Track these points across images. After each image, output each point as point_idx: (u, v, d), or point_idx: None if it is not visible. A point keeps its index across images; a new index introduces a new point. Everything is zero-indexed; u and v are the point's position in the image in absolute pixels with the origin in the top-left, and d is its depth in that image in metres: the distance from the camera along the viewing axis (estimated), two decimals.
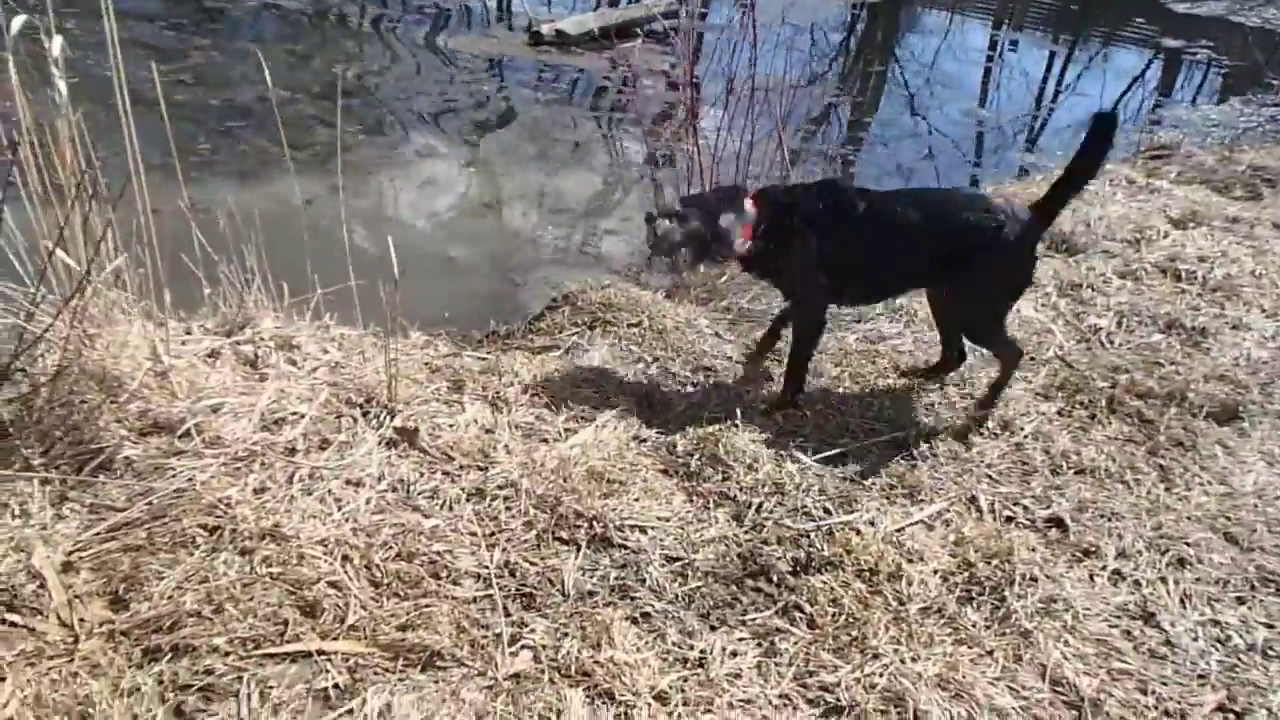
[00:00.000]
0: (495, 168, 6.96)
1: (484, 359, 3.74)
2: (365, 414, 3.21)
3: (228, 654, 2.36)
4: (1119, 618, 2.83)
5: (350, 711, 2.28)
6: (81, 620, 2.41)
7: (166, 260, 3.36)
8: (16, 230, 2.95)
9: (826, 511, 3.08)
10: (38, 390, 2.90)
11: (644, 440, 3.39)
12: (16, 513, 2.63)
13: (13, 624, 2.38)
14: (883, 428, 3.56)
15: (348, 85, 7.96)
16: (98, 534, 2.65)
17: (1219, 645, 2.79)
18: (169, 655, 2.34)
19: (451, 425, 3.25)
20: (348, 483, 2.92)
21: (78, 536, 2.63)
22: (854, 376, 3.88)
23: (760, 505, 3.08)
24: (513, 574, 2.73)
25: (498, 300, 5.06)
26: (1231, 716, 2.59)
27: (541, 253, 5.81)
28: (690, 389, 3.76)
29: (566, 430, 3.37)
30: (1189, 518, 3.25)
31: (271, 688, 2.30)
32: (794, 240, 3.44)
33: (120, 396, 2.93)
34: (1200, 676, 2.68)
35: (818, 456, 3.35)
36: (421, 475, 3.02)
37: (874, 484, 3.27)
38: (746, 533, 2.98)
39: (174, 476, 2.81)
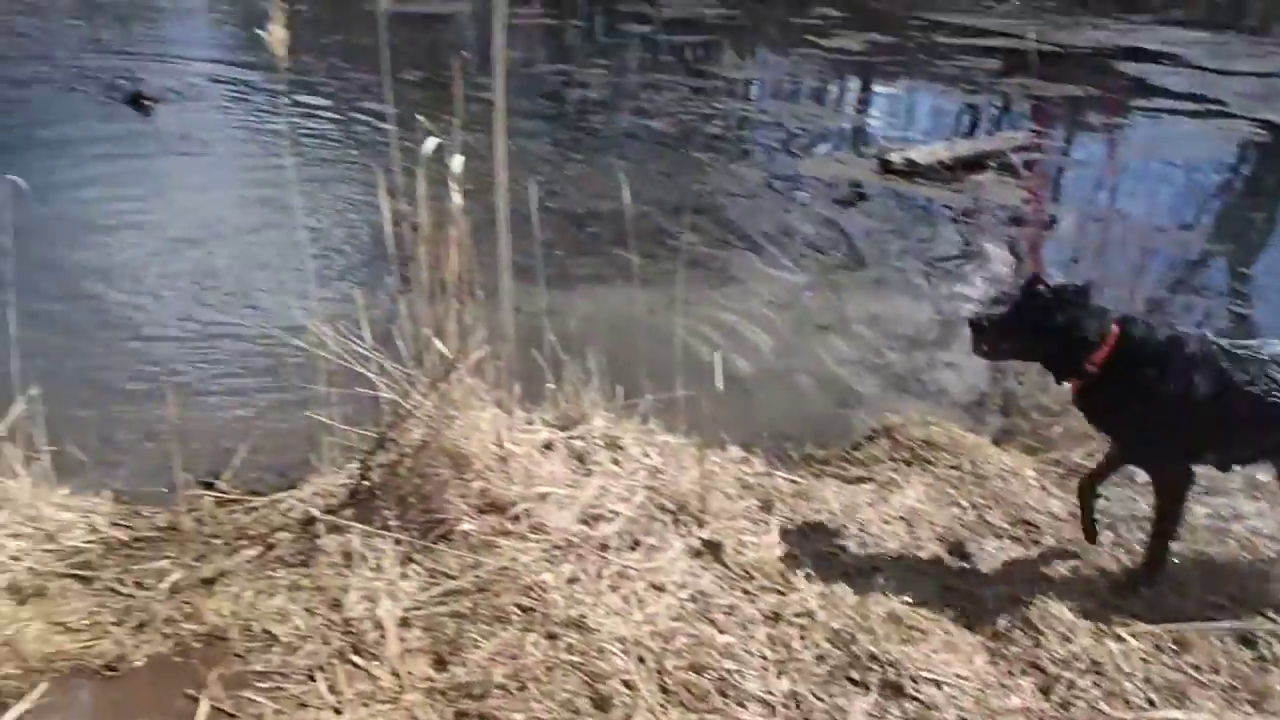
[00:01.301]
0: (833, 290, 7.06)
1: (796, 482, 3.79)
2: (676, 521, 3.35)
3: None
4: None
5: None
6: (409, 673, 2.69)
7: (521, 356, 3.73)
8: (408, 318, 3.43)
9: (1150, 703, 2.80)
10: (402, 460, 3.30)
11: (951, 589, 3.26)
12: (372, 565, 3.00)
13: (355, 665, 2.70)
14: (1228, 617, 3.19)
15: (699, 203, 8.45)
16: (432, 596, 2.95)
17: None
18: None
19: (756, 544, 3.31)
20: (651, 586, 3.05)
21: (416, 596, 2.94)
22: (1198, 556, 3.52)
23: (1073, 682, 2.85)
24: (799, 706, 2.71)
25: (822, 422, 5.08)
26: None
27: (873, 379, 5.78)
28: (1007, 541, 3.58)
29: (872, 567, 3.33)
30: None
31: None
32: (1150, 387, 3.12)
33: (466, 475, 3.27)
34: None
35: (1146, 638, 3.06)
36: (721, 590, 3.09)
37: (1211, 680, 2.93)
38: (1054, 709, 2.77)
39: (500, 554, 3.08)
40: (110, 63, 12.21)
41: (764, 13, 19.63)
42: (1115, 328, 3.17)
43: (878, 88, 14.41)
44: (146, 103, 10.24)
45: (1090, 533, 3.50)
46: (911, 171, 9.53)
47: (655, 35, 16.78)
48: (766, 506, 3.56)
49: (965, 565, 3.43)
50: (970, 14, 19.54)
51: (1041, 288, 3.27)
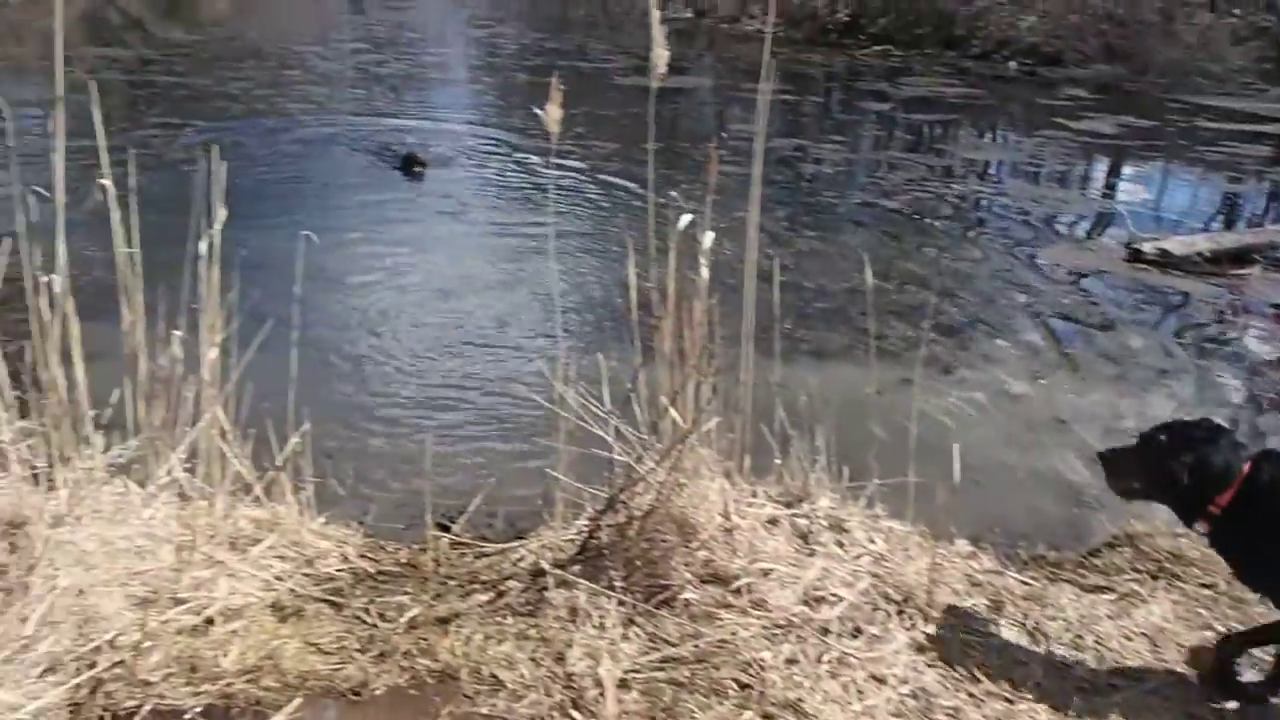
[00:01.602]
0: (1074, 381, 6.72)
1: (1028, 584, 3.61)
2: (900, 612, 3.27)
3: None
4: None
5: None
6: None
7: (750, 429, 3.77)
8: (646, 384, 3.56)
9: None
10: (631, 522, 3.39)
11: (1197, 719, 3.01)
12: (596, 623, 3.10)
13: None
14: None
15: (934, 283, 8.27)
16: (651, 661, 3.00)
17: None
18: None
19: (983, 646, 3.18)
20: (872, 676, 2.99)
21: (636, 659, 3.00)
22: None
23: None
24: None
25: (1057, 522, 4.81)
26: None
27: None
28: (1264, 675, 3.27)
29: (1109, 684, 3.12)
30: None
31: None
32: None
33: (692, 543, 3.32)
34: None
35: None
36: (945, 690, 2.98)
37: None
38: None
39: (720, 627, 3.10)
40: (382, 125, 13.36)
41: (1009, 93, 19.15)
42: (1247, 467, 2.91)
43: (1129, 172, 13.70)
44: (419, 168, 11.00)
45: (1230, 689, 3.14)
46: (1165, 262, 8.97)
47: (893, 113, 16.69)
48: (996, 607, 3.41)
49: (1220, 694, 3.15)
50: (1239, 98, 18.32)
51: (1169, 424, 3.10)
